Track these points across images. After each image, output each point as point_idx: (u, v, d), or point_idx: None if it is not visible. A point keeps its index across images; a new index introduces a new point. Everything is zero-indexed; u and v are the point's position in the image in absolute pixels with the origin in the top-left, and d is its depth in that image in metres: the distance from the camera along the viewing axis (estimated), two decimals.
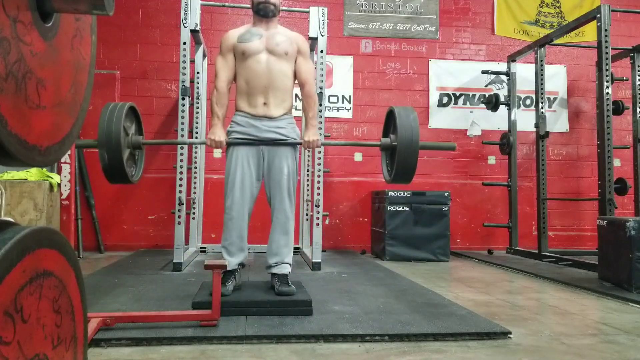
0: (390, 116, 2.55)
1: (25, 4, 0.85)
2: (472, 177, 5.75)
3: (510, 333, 2.16)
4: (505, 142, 5.39)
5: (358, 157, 5.58)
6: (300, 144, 2.66)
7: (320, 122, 4.06)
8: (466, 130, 5.77)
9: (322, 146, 4.05)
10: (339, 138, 5.57)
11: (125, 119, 2.28)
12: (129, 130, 2.35)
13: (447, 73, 5.78)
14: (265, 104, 2.59)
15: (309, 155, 4.76)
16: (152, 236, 5.25)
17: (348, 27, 5.68)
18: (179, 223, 3.83)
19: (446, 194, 4.91)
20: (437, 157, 5.69)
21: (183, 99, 3.92)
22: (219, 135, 2.54)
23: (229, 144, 2.60)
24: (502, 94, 5.55)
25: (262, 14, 2.59)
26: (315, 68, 4.36)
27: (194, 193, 4.69)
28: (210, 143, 2.54)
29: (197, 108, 4.84)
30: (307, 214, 4.76)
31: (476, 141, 5.76)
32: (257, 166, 2.64)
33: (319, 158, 4.05)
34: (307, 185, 4.75)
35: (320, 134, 4.04)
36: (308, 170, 4.75)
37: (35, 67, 0.90)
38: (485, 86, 5.83)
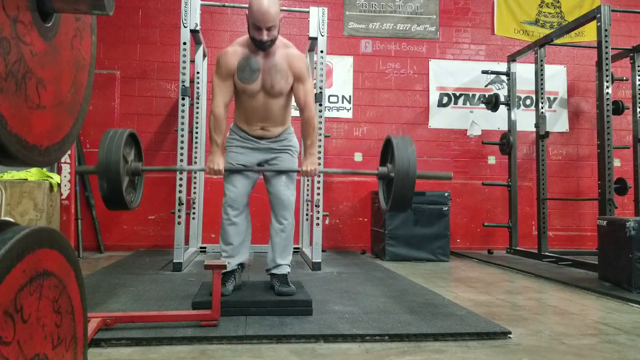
0: (388, 145, 2.55)
1: (25, 4, 0.85)
2: (472, 177, 5.75)
3: (510, 333, 2.16)
4: (505, 142, 5.39)
5: (358, 157, 5.59)
6: (297, 171, 2.64)
7: (320, 126, 4.06)
8: (466, 130, 5.77)
9: (322, 143, 4.06)
10: (338, 138, 5.57)
11: (125, 146, 2.27)
12: (128, 156, 2.34)
13: (447, 73, 5.78)
14: (262, 128, 2.63)
15: None
16: (152, 236, 5.25)
17: (348, 27, 5.68)
18: (179, 223, 3.83)
19: (446, 194, 4.91)
20: (437, 158, 5.70)
21: (183, 99, 3.92)
22: (218, 163, 2.51)
23: (228, 170, 2.58)
24: (502, 94, 5.55)
25: (259, 48, 2.43)
26: (315, 68, 4.36)
27: (194, 193, 4.69)
28: (209, 171, 2.52)
29: (197, 108, 4.84)
30: (307, 214, 4.76)
31: (476, 141, 5.75)
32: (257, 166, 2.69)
33: (319, 159, 4.05)
34: (307, 185, 4.75)
35: (320, 134, 4.05)
36: None
37: (35, 67, 0.90)
38: (485, 86, 5.83)
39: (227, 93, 2.53)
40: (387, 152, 2.60)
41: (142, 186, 2.51)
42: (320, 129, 4.06)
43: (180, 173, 3.90)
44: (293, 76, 2.52)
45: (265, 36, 2.34)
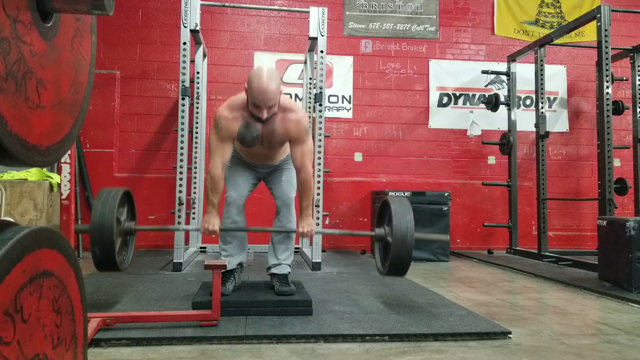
0: (385, 207, 2.55)
1: (25, 4, 0.85)
2: (472, 177, 5.75)
3: (510, 333, 2.16)
4: (505, 142, 5.39)
5: (358, 157, 5.59)
6: (295, 231, 2.61)
7: (320, 126, 4.06)
8: (466, 130, 5.77)
9: (322, 143, 4.06)
10: (338, 138, 5.57)
11: (119, 207, 2.27)
12: (121, 216, 2.33)
13: (447, 73, 5.78)
14: (263, 163, 2.73)
15: None
16: (152, 236, 5.25)
17: (348, 27, 5.68)
18: (179, 223, 3.83)
19: (446, 194, 4.91)
20: (437, 158, 5.70)
21: (183, 99, 3.92)
22: (214, 224, 2.48)
23: (223, 230, 2.58)
24: (502, 94, 5.55)
25: (258, 122, 2.41)
26: (315, 68, 4.36)
27: (194, 193, 4.69)
28: (204, 231, 2.49)
29: (197, 108, 4.84)
30: None
31: (476, 141, 5.75)
32: (256, 173, 2.78)
33: (319, 158, 4.05)
34: None
35: (320, 134, 4.05)
36: None
37: (35, 67, 0.90)
38: (485, 86, 5.83)
39: (225, 154, 2.53)
40: (384, 213, 2.60)
41: (134, 244, 2.52)
42: (321, 129, 4.06)
43: (180, 173, 3.90)
44: (290, 139, 2.53)
45: (265, 114, 2.33)
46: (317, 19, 4.06)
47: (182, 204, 3.87)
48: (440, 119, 5.75)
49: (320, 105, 4.07)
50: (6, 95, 0.80)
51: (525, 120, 5.56)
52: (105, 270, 2.23)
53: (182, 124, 3.90)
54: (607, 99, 3.96)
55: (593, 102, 5.61)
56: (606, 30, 3.95)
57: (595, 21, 4.04)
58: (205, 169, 5.18)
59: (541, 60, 4.99)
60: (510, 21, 5.93)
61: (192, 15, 3.96)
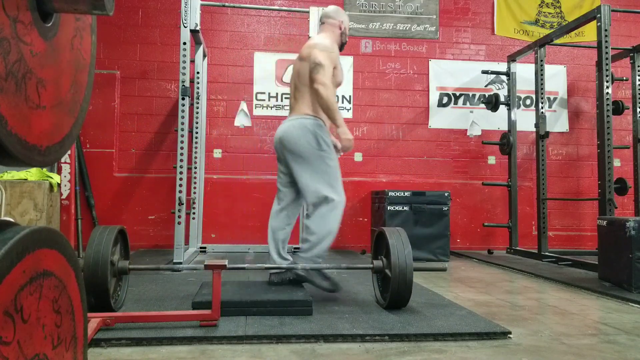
0: (382, 239, 2.57)
1: (25, 4, 0.85)
2: (472, 177, 5.75)
3: (510, 333, 2.16)
4: (505, 142, 5.39)
5: (358, 157, 5.59)
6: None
7: None
8: (466, 130, 5.77)
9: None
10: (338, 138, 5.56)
11: (113, 248, 2.27)
12: (115, 256, 2.34)
13: (447, 73, 5.78)
14: None
15: None
16: (152, 236, 5.25)
17: None
18: (179, 223, 3.83)
19: (446, 194, 4.91)
20: (437, 157, 5.70)
21: (183, 99, 3.92)
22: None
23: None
24: (502, 94, 5.55)
25: None
26: None
27: (194, 193, 4.69)
28: (350, 145, 2.79)
29: (197, 108, 4.84)
30: (307, 214, 4.75)
31: (476, 141, 5.76)
32: None
33: None
34: None
35: None
36: None
37: (35, 67, 0.90)
38: (485, 86, 5.83)
39: None
40: (380, 245, 2.61)
41: (128, 283, 2.53)
42: None
43: (180, 173, 3.90)
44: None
45: None
46: (317, 19, 4.06)
47: (182, 204, 3.87)
48: (440, 119, 5.75)
49: None
50: (6, 95, 0.80)
51: (525, 120, 5.56)
52: (98, 312, 2.21)
53: (182, 124, 3.90)
54: (607, 99, 3.96)
55: (593, 102, 5.61)
56: (606, 30, 3.95)
57: (595, 21, 4.04)
58: (206, 168, 5.19)
59: (541, 60, 4.99)
60: (510, 21, 5.93)
61: (192, 15, 3.96)
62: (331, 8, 3.04)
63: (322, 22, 3.03)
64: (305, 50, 2.85)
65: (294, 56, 5.52)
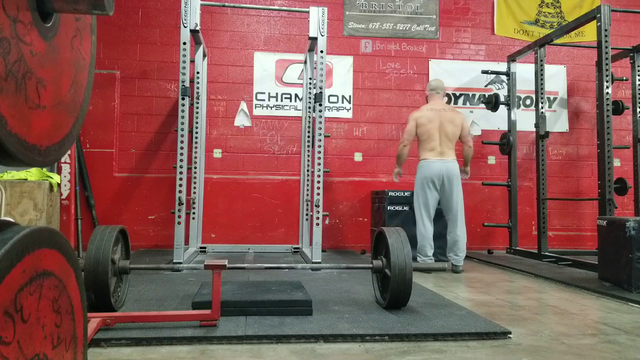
0: (381, 238, 2.56)
1: (25, 4, 0.85)
2: (472, 177, 5.71)
3: (510, 333, 2.16)
4: (505, 142, 5.39)
5: (358, 157, 5.59)
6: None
7: (320, 126, 4.07)
8: None
9: (322, 143, 4.06)
10: (338, 138, 5.57)
11: (114, 247, 2.26)
12: (115, 255, 2.33)
13: (447, 73, 5.78)
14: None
15: (309, 156, 4.76)
16: (152, 236, 5.25)
17: (348, 27, 5.68)
18: (179, 223, 3.83)
19: None
20: None
21: (183, 98, 3.92)
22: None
23: None
24: (502, 94, 5.55)
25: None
26: (315, 68, 4.36)
27: (194, 193, 4.69)
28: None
29: (197, 108, 4.84)
30: (307, 214, 4.76)
31: (476, 141, 5.74)
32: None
33: (319, 158, 4.05)
34: (307, 185, 4.75)
35: (320, 134, 4.05)
36: (308, 170, 4.75)
37: (35, 67, 0.90)
38: (485, 86, 5.83)
39: None
40: (380, 244, 2.61)
41: (128, 283, 2.53)
42: (320, 129, 4.06)
43: (180, 173, 3.90)
44: None
45: None
46: (317, 19, 4.06)
47: (182, 204, 3.87)
48: None
49: (320, 105, 4.07)
50: (6, 95, 0.80)
51: (525, 120, 5.56)
52: (99, 312, 2.21)
53: (182, 124, 3.90)
54: (607, 99, 3.96)
55: (593, 102, 5.61)
56: (606, 30, 3.95)
57: (595, 21, 4.04)
58: (206, 168, 5.19)
59: (541, 60, 4.99)
60: (510, 21, 5.93)
61: (192, 15, 3.96)
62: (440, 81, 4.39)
63: (437, 92, 4.29)
64: (455, 115, 4.28)
65: (293, 56, 5.58)
